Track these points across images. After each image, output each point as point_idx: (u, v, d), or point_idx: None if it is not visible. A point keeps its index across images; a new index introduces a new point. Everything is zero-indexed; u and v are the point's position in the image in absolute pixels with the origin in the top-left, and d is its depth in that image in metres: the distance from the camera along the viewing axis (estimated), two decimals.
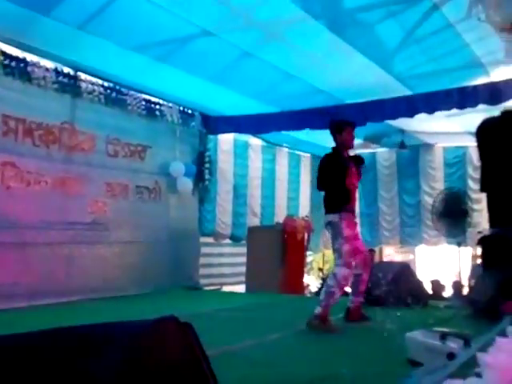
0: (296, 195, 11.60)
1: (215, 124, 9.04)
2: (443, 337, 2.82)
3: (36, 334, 1.19)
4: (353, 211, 5.09)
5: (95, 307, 6.01)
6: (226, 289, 9.36)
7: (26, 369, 1.09)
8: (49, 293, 6.26)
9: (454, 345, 2.67)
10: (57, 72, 6.61)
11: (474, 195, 9.26)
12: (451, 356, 2.33)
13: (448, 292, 9.26)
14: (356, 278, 5.07)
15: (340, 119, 5.33)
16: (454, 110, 7.09)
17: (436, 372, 1.92)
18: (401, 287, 6.15)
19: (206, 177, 9.13)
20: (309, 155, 11.94)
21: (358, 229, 5.44)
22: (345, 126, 5.12)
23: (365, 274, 5.13)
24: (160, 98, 8.14)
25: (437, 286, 9.46)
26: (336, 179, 4.89)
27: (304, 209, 11.53)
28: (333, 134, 5.18)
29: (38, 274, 6.23)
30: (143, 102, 7.88)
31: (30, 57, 6.27)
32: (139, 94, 7.78)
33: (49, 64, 6.51)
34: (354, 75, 6.92)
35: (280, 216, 10.26)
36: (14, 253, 6.04)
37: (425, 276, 9.19)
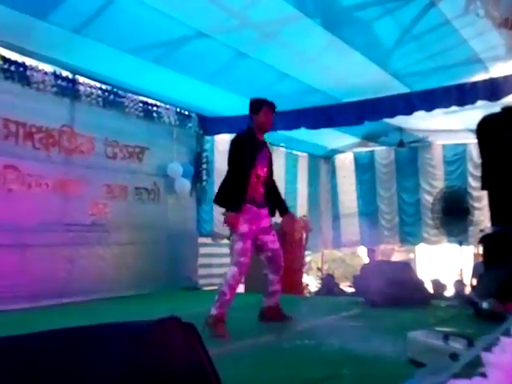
0: (293, 195, 11.57)
1: (212, 125, 9.03)
2: (446, 337, 2.81)
3: (38, 335, 1.18)
4: (256, 204, 4.70)
5: (95, 308, 6.00)
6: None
7: (28, 369, 1.08)
8: (50, 294, 6.27)
9: (457, 345, 2.65)
10: (55, 75, 6.62)
11: (474, 193, 9.23)
12: (454, 356, 2.32)
13: (450, 291, 9.25)
14: (266, 278, 4.95)
15: (258, 98, 4.85)
16: (453, 107, 7.07)
17: (439, 372, 1.91)
18: (401, 286, 6.13)
19: (204, 177, 9.11)
20: (306, 155, 11.94)
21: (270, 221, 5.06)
22: (262, 106, 4.74)
23: (274, 274, 4.99)
24: (157, 100, 8.15)
25: (437, 285, 9.46)
26: (238, 167, 4.55)
27: (302, 208, 11.51)
28: (249, 113, 4.81)
29: (38, 276, 6.24)
30: (140, 104, 7.88)
31: (28, 61, 6.27)
32: (136, 96, 7.79)
33: (47, 68, 6.52)
34: (350, 74, 6.91)
35: (277, 216, 10.23)
36: (15, 255, 6.05)
37: (426, 275, 9.17)
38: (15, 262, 6.04)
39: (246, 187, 4.58)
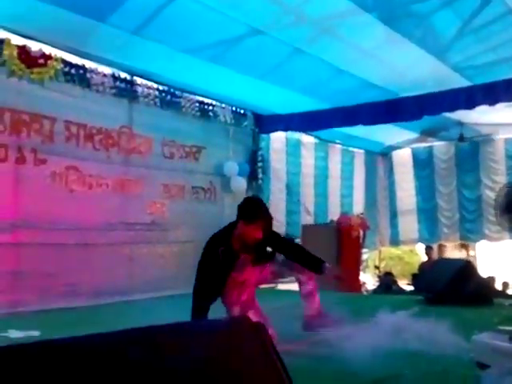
0: (350, 192, 11.47)
1: (267, 123, 9.04)
2: None
3: (116, 334, 1.22)
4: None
5: (156, 305, 6.10)
6: (281, 287, 9.35)
7: (109, 367, 1.11)
8: (111, 292, 6.44)
9: None
10: (114, 77, 6.76)
11: None
12: None
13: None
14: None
15: (256, 208, 3.94)
16: None
17: (506, 373, 1.85)
18: (462, 284, 5.97)
19: (259, 176, 9.15)
20: (362, 151, 11.80)
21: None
22: (255, 220, 3.81)
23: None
24: (213, 99, 8.22)
25: (500, 283, 9.18)
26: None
27: (358, 206, 11.39)
28: (238, 215, 3.94)
29: (100, 274, 6.42)
30: (197, 104, 7.97)
31: (88, 63, 6.42)
32: (193, 96, 7.88)
33: (106, 70, 6.66)
34: (408, 68, 6.79)
35: (334, 213, 10.16)
36: (78, 253, 6.23)
37: (487, 273, 8.91)
38: (78, 260, 6.22)
39: None
